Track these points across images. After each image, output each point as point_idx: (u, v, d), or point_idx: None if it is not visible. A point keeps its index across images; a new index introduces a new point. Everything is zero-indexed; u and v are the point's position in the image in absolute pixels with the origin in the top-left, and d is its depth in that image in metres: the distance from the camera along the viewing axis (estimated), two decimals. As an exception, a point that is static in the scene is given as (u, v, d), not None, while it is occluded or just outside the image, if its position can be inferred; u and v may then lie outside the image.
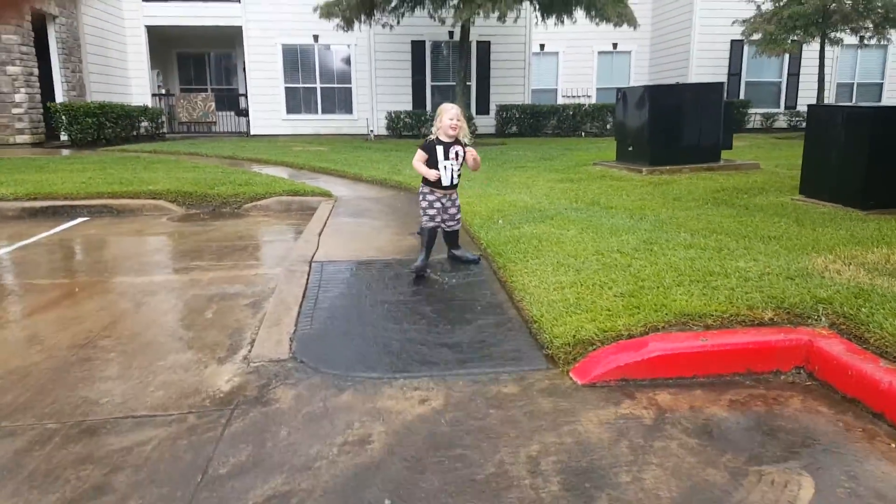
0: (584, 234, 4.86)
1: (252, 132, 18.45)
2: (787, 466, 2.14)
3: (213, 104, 18.48)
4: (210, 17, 17.61)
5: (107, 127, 14.48)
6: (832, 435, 2.32)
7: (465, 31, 14.15)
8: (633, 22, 12.78)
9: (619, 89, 9.06)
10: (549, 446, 2.35)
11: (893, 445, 2.20)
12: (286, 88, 18.35)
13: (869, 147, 5.18)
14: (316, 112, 18.68)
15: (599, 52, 20.62)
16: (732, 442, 2.32)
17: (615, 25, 12.72)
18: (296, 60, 18.36)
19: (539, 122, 17.77)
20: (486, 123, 17.92)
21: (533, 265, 4.15)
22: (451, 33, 17.59)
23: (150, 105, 17.17)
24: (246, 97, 18.73)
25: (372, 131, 18.08)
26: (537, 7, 13.56)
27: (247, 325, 3.78)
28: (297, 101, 18.60)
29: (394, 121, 17.73)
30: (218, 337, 3.60)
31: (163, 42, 18.87)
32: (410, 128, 17.75)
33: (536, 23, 14.32)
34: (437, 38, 17.72)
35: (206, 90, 20.33)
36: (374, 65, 17.85)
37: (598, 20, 12.79)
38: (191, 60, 20.78)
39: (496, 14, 11.76)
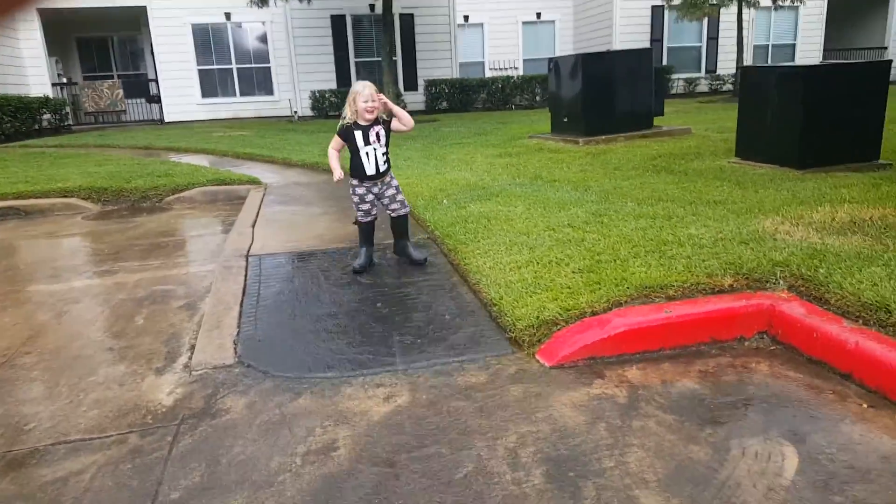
0: (532, 210, 4.77)
1: (166, 119, 17.40)
2: (767, 437, 2.11)
3: (122, 91, 17.26)
4: (110, -4, 16.37)
5: (4, 121, 13.26)
6: (805, 400, 2.32)
7: (388, 3, 13.73)
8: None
9: (550, 59, 9.01)
10: (526, 436, 2.25)
11: (865, 406, 2.23)
12: (199, 71, 17.36)
13: (803, 106, 5.31)
14: (234, 94, 17.81)
15: (524, 23, 20.59)
16: (709, 415, 2.29)
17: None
18: (208, 41, 17.36)
19: (469, 96, 17.61)
20: (416, 100, 17.60)
21: (485, 245, 4.03)
22: (371, 6, 17.08)
23: (51, 96, 15.84)
24: (156, 82, 17.61)
25: (296, 112, 17.43)
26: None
27: (184, 329, 3.48)
28: (212, 84, 17.65)
29: (318, 100, 17.13)
30: (153, 345, 3.29)
31: (60, 27, 17.40)
32: (337, 107, 17.19)
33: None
34: (357, 11, 17.16)
35: (112, 77, 18.97)
36: (293, 42, 17.12)
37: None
38: (93, 45, 19.28)
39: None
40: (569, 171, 6.42)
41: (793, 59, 20.01)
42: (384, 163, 4.00)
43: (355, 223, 4.16)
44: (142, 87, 18.64)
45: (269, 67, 17.73)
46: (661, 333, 2.80)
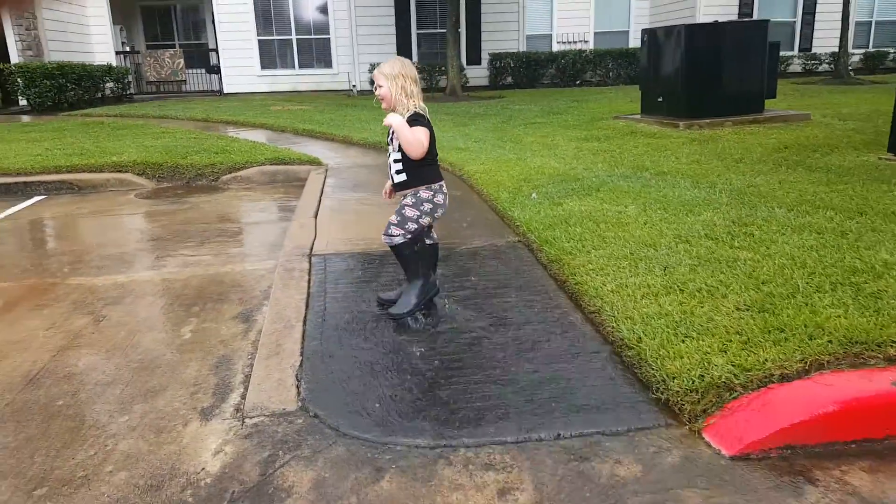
0: (649, 211, 3.95)
1: (225, 90, 17.06)
2: None
3: (183, 61, 17.00)
4: (174, -38, 16.01)
5: (68, 89, 13.10)
6: None
7: (458, -28, 12.84)
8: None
9: (644, 30, 7.99)
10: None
11: None
12: (260, 41, 16.88)
13: None
14: (293, 67, 17.29)
15: (598, -7, 19.21)
16: None
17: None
18: (269, 10, 16.84)
19: (536, 71, 16.55)
20: (479, 74, 16.68)
21: (599, 258, 3.25)
22: (438, -25, 16.17)
23: (114, 64, 15.68)
24: (217, 53, 17.25)
25: (354, 86, 16.79)
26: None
27: (237, 350, 2.86)
28: (271, 56, 17.16)
29: (379, 74, 16.43)
30: (200, 370, 2.69)
31: (124, -7, 17.24)
32: (398, 81, 16.49)
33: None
34: (422, -21, 16.31)
35: (174, 46, 18.74)
36: (355, 12, 16.40)
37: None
38: (156, 14, 19.07)
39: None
40: (677, 161, 5.51)
41: (897, 38, 18.07)
42: (396, 173, 2.90)
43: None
44: (202, 57, 18.35)
45: (328, 39, 17.11)
46: (890, 415, 1.99)
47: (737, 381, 2.16)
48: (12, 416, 2.36)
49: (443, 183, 2.87)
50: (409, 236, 2.86)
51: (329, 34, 17.00)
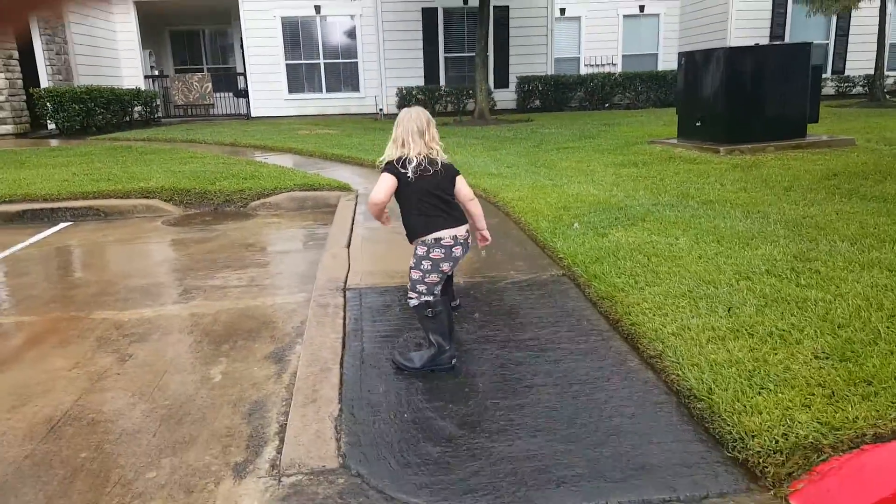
0: (701, 244, 3.72)
1: (253, 114, 17.20)
2: None
3: (211, 85, 17.20)
4: (204, -11, 16.29)
5: (96, 113, 13.28)
6: None
7: (486, -5, 12.82)
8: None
9: (681, 53, 7.80)
10: None
11: None
12: (287, 66, 17.03)
13: None
14: (320, 91, 17.38)
15: (625, 16, 19.10)
16: None
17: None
18: (297, 35, 17.00)
19: (564, 94, 16.42)
20: (506, 98, 16.60)
21: (654, 296, 3.03)
22: (465, -1, 16.22)
23: (143, 88, 15.91)
24: (245, 77, 17.44)
25: (381, 110, 16.80)
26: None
27: (271, 395, 2.69)
28: (299, 80, 17.29)
29: (405, 97, 16.43)
30: (232, 418, 2.52)
31: (154, 19, 17.54)
32: (423, 104, 16.45)
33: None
34: (449, 4, 16.33)
35: (202, 70, 19.01)
36: (382, 36, 16.49)
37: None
38: (184, 38, 19.41)
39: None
40: (723, 189, 5.27)
41: (933, 59, 17.62)
42: None
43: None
44: (230, 80, 18.58)
45: (356, 63, 17.20)
46: None
47: (825, 442, 1.93)
48: (32, 469, 2.20)
49: (441, 235, 2.63)
50: (424, 298, 2.68)
51: (357, 58, 17.10)
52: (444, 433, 2.23)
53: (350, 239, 4.74)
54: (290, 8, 16.51)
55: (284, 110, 17.18)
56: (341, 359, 2.82)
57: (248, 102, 17.47)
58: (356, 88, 17.47)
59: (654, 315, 2.85)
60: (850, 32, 16.59)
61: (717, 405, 2.17)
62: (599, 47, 19.14)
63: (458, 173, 2.81)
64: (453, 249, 2.66)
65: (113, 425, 2.48)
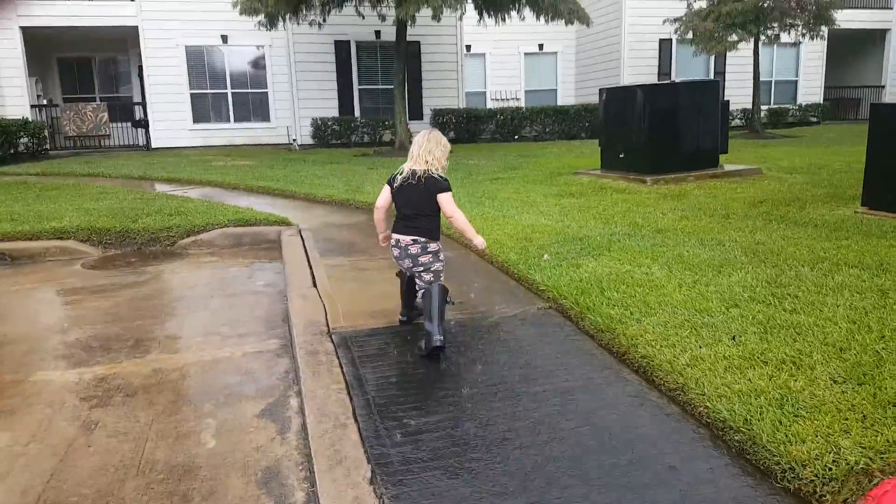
0: (675, 272, 3.86)
1: (153, 145, 16.19)
2: None
3: (107, 115, 16.02)
4: (99, 16, 15.22)
5: (-25, 145, 11.96)
6: None
7: (403, 29, 12.94)
8: (585, 19, 12.11)
9: (602, 89, 8.23)
10: None
11: None
12: (192, 95, 16.26)
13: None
14: (228, 121, 16.72)
15: (525, 54, 20.05)
16: None
17: (567, 23, 11.99)
18: (202, 64, 16.31)
19: (477, 126, 16.83)
20: (421, 129, 16.74)
21: (654, 327, 3.08)
22: (377, 32, 16.29)
23: (30, 118, 14.54)
24: (143, 106, 16.44)
25: (295, 140, 16.42)
26: (480, 2, 12.59)
27: (282, 458, 2.44)
28: (205, 109, 16.55)
29: (320, 128, 16.16)
30: (246, 489, 2.25)
31: (41, 46, 16.17)
32: (339, 135, 16.28)
33: (480, 20, 13.33)
34: (362, 37, 16.35)
35: (93, 99, 17.71)
36: (295, 67, 16.18)
37: (548, 17, 11.98)
38: (74, 66, 18.03)
39: (447, 9, 10.67)
40: (665, 218, 5.54)
41: (794, 96, 19.85)
42: None
43: (449, 300, 3.31)
44: (127, 110, 17.41)
45: (266, 93, 16.73)
46: None
47: (874, 466, 2.00)
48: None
49: (395, 237, 3.27)
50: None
51: (267, 88, 16.64)
52: (483, 485, 2.10)
53: (314, 278, 4.49)
54: (195, 36, 15.84)
55: (188, 140, 16.34)
56: (353, 412, 2.62)
57: (146, 133, 16.45)
58: (266, 118, 16.98)
59: (662, 346, 2.90)
60: (727, 70, 18.33)
61: (759, 436, 2.20)
62: (504, 83, 19.91)
63: (442, 190, 3.18)
64: (397, 250, 3.27)
65: (104, 510, 2.14)
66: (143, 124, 16.54)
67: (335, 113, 16.48)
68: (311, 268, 4.78)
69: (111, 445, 2.55)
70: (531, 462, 2.23)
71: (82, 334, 3.87)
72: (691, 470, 2.17)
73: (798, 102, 19.65)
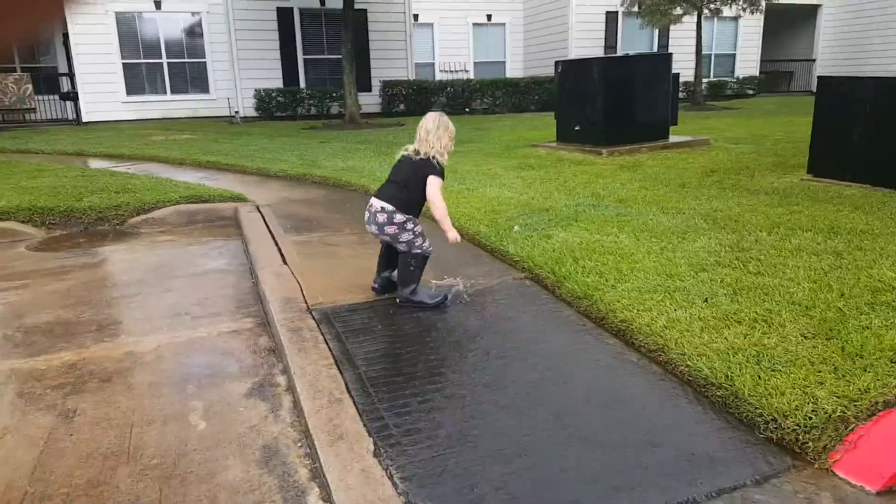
0: (642, 240, 3.99)
1: (84, 119, 15.30)
2: None
3: (31, 87, 15.00)
4: (15, -24, 14.14)
5: None
6: None
7: (350, -2, 12.61)
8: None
9: (558, 61, 8.28)
10: None
11: None
12: (125, 65, 15.39)
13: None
14: (164, 93, 15.94)
15: (474, 24, 19.88)
16: None
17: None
18: (134, 32, 15.42)
19: (427, 99, 16.64)
20: (371, 101, 16.43)
21: (629, 292, 3.19)
22: (322, 0, 15.82)
23: (-59, 89, 13.48)
24: (71, 77, 15.48)
25: (237, 112, 15.84)
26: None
27: (279, 437, 2.41)
28: (139, 81, 15.72)
29: (264, 100, 15.63)
30: (246, 470, 2.22)
31: (-51, 8, 14.94)
32: (284, 107, 15.81)
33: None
34: (306, 4, 15.81)
35: (14, 70, 16.52)
36: (235, 35, 15.51)
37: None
38: (-11, 32, 16.74)
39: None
40: (624, 188, 5.69)
41: (733, 70, 20.54)
42: None
43: (413, 264, 3.38)
44: (52, 82, 16.35)
45: (204, 63, 16.01)
46: None
47: (849, 413, 2.16)
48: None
49: (373, 202, 3.33)
50: None
51: (205, 58, 15.93)
52: (488, 447, 2.15)
53: (282, 254, 4.40)
54: (126, 2, 14.95)
55: (123, 114, 15.53)
56: (346, 387, 2.61)
57: (76, 106, 15.53)
58: (205, 90, 16.30)
59: (639, 311, 3.00)
60: (671, 44, 18.74)
61: (741, 390, 2.33)
62: (452, 54, 19.72)
63: (430, 173, 3.25)
64: (367, 214, 3.34)
65: (100, 499, 2.07)
66: (72, 97, 15.60)
67: (279, 84, 15.97)
68: (277, 245, 4.68)
69: (95, 433, 2.46)
70: (528, 425, 2.29)
71: (40, 320, 3.68)
72: (680, 425, 2.28)
73: (736, 75, 20.33)
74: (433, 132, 3.27)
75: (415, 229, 3.32)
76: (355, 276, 3.90)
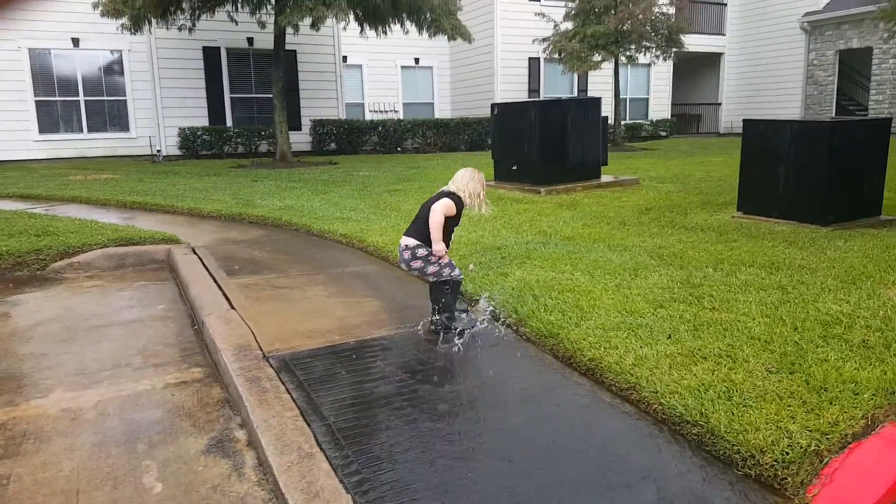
0: (598, 278, 4.07)
1: (-9, 158, 14.32)
2: None
3: (-70, 123, 13.89)
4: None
5: None
6: None
7: (282, 37, 12.52)
8: (467, 36, 12.45)
9: (494, 104, 8.51)
10: None
11: None
12: (37, 103, 14.58)
13: (827, 162, 5.25)
14: (80, 131, 15.18)
15: (402, 66, 20.23)
16: None
17: (450, 39, 12.26)
18: (49, 69, 14.67)
19: (359, 138, 16.65)
20: (301, 140, 16.24)
21: (593, 330, 3.23)
22: (249, 40, 15.65)
23: None
24: (-24, 114, 14.50)
25: (159, 151, 15.27)
26: (360, 14, 12.52)
27: (245, 497, 2.24)
28: (53, 119, 14.90)
29: (189, 138, 15.14)
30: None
31: None
32: (210, 146, 15.36)
33: (361, 32, 13.21)
34: (233, 44, 15.59)
35: None
36: (159, 74, 15.04)
37: (431, 32, 12.19)
38: None
39: (331, 17, 10.48)
40: (567, 226, 5.84)
41: (646, 113, 21.85)
42: None
43: (444, 294, 3.47)
44: (-47, 118, 15.22)
45: (124, 101, 15.39)
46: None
47: (822, 447, 2.24)
48: None
49: (402, 240, 3.47)
50: None
51: (125, 96, 15.33)
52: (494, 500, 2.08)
53: (228, 299, 4.19)
54: (41, 39, 14.27)
55: (34, 153, 14.66)
56: (316, 440, 2.47)
57: (-19, 144, 14.50)
58: (125, 128, 15.66)
59: (606, 348, 3.04)
60: (589, 88, 19.74)
61: (716, 427, 2.38)
62: (381, 94, 19.94)
63: (439, 198, 3.36)
64: (400, 251, 3.48)
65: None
66: (-24, 134, 14.55)
67: (205, 122, 15.55)
68: (221, 288, 4.46)
69: (38, 501, 2.20)
70: (508, 472, 2.24)
71: (-43, 379, 3.30)
72: (658, 466, 2.29)
73: (650, 118, 21.60)
74: (471, 187, 3.43)
75: (440, 261, 3.40)
76: (311, 319, 3.76)
